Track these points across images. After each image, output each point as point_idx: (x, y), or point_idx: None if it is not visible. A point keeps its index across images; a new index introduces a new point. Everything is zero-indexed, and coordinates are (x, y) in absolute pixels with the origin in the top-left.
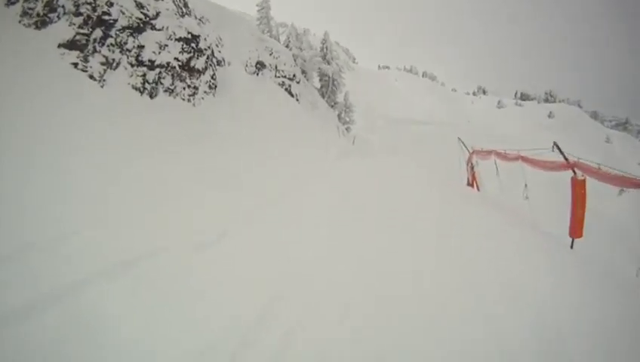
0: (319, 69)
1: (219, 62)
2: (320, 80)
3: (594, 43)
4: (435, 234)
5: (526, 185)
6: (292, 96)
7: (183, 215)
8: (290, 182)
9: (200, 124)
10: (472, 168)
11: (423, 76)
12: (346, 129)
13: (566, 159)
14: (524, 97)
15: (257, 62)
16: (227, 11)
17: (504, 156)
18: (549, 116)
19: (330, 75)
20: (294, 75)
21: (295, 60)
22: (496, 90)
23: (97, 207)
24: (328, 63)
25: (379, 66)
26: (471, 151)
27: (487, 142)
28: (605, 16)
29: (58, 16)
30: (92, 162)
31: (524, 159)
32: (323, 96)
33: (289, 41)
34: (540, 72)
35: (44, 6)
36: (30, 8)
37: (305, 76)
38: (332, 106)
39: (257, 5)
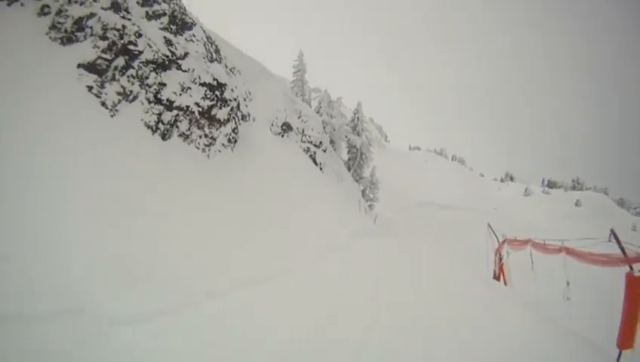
0: (348, 139)
1: (243, 117)
2: (348, 151)
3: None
4: (451, 341)
5: (568, 283)
6: (316, 164)
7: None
8: (297, 258)
9: (212, 177)
10: (501, 259)
11: (452, 159)
12: (369, 206)
13: (624, 252)
14: (552, 185)
15: (284, 123)
16: (261, 67)
17: (543, 247)
18: (577, 205)
19: (359, 148)
20: (321, 143)
21: (324, 127)
22: (524, 177)
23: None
24: (358, 135)
25: (409, 146)
26: (502, 239)
27: (513, 231)
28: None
29: (85, 37)
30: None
31: (569, 251)
32: (349, 169)
33: (320, 107)
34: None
35: (73, 23)
36: (60, 22)
37: (333, 146)
38: (357, 181)
39: (294, 67)
